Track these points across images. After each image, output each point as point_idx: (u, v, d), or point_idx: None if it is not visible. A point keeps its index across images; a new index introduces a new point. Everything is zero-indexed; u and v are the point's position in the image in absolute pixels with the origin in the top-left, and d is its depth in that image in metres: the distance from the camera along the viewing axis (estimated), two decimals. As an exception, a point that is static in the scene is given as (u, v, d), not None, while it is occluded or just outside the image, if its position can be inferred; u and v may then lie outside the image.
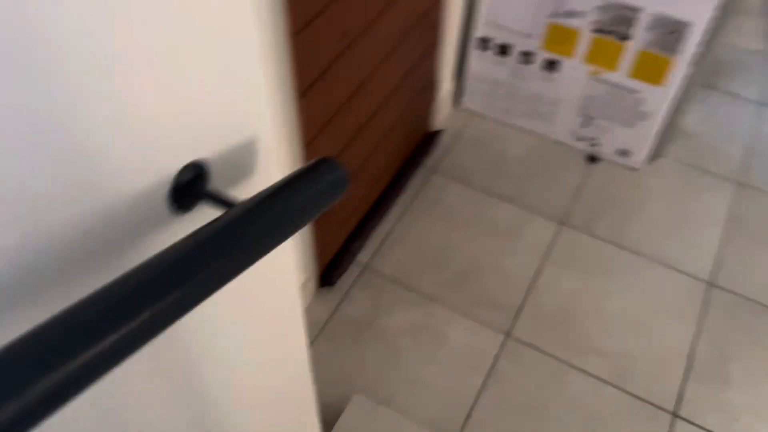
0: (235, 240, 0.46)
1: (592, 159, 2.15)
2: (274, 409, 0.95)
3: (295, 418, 1.08)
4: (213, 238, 0.45)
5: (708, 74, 2.47)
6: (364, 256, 1.88)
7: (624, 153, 2.11)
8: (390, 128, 1.82)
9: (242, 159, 0.55)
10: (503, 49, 2.06)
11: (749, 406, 1.60)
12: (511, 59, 2.07)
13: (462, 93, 2.26)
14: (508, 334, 1.72)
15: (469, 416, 1.57)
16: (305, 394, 1.05)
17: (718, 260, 1.89)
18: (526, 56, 2.04)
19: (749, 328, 1.75)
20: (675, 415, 1.58)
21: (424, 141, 2.15)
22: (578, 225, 1.97)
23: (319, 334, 1.71)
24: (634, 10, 1.78)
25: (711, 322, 1.75)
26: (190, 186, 0.50)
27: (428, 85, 2.00)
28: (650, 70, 1.87)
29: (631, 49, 1.86)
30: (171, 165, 0.47)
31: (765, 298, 1.81)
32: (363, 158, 1.72)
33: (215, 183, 0.52)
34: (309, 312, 1.74)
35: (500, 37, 2.04)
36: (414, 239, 1.92)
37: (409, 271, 1.84)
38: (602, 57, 1.92)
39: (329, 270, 1.79)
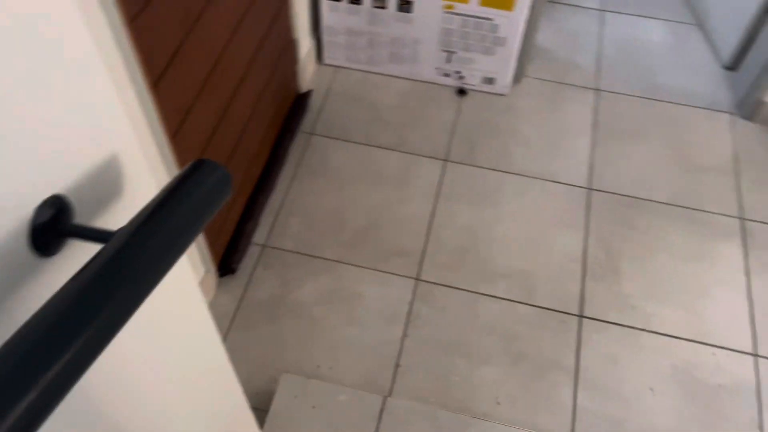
0: (122, 275, 0.41)
1: (462, 92, 2.19)
2: (204, 415, 0.91)
3: (228, 417, 1.05)
4: (97, 279, 0.40)
5: (550, -10, 2.57)
6: (260, 235, 1.82)
7: (490, 81, 2.16)
8: (257, 99, 1.75)
9: (107, 180, 0.49)
10: (355, -3, 2.02)
11: (641, 291, 1.75)
12: (365, 6, 2.03)
13: (323, 48, 2.21)
14: (417, 279, 1.76)
15: (398, 365, 1.60)
16: (231, 391, 1.02)
17: (592, 165, 2.03)
18: (380, 0, 2.01)
19: (627, 220, 1.90)
20: (581, 316, 1.71)
21: (296, 104, 2.09)
22: (461, 158, 2.02)
23: (231, 324, 1.65)
24: (474, -62, 1.79)
25: (595, 224, 1.89)
26: (53, 224, 0.44)
27: (288, 47, 1.93)
28: (499, -4, 1.91)
29: (478, -22, 1.88)
30: (25, 205, 0.41)
31: (634, 190, 1.96)
32: (236, 137, 1.64)
33: (83, 215, 0.46)
34: (216, 305, 1.68)
35: (349, -15, 1.99)
36: (307, 207, 1.89)
37: (310, 240, 1.82)
38: (452, -10, 1.93)
39: (227, 257, 1.73)
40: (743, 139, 2.10)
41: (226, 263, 1.72)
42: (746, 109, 2.14)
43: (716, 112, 2.18)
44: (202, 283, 1.61)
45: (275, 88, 1.88)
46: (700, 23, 2.45)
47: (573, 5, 2.52)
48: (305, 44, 2.13)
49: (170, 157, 1.27)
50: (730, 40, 2.27)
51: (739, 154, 2.06)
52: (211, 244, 1.62)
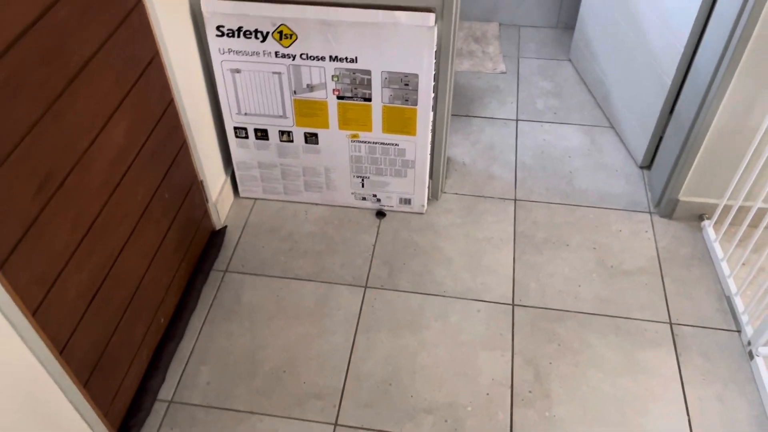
0: None
1: (381, 214, 2.17)
2: None
3: None
4: None
5: (464, 104, 2.63)
6: (167, 389, 1.71)
7: (407, 201, 2.15)
8: (156, 248, 1.69)
9: None
10: (262, 134, 2.03)
11: (573, 414, 1.65)
12: (273, 141, 2.04)
13: (237, 183, 2.20)
14: (335, 424, 1.64)
15: None
16: None
17: (515, 279, 1.98)
18: (286, 135, 2.02)
19: (554, 335, 1.82)
20: (510, 449, 1.59)
21: (210, 243, 2.04)
22: (381, 283, 1.96)
23: (129, 498, 1.50)
24: (365, 72, 1.83)
25: (522, 343, 1.81)
26: None
27: (193, 189, 1.91)
28: (400, 122, 1.93)
29: (377, 107, 1.91)
30: None
31: (560, 302, 1.91)
32: (130, 292, 1.57)
33: None
34: (113, 476, 1.54)
35: (255, 123, 2.01)
36: (219, 353, 1.79)
37: (221, 390, 1.71)
38: (354, 121, 1.95)
39: (127, 421, 1.60)
40: (664, 238, 2.08)
41: (125, 427, 1.59)
42: (664, 207, 2.13)
43: (636, 212, 2.17)
44: (94, 456, 1.48)
45: (181, 231, 1.84)
46: (614, 125, 2.51)
47: (488, 117, 2.58)
48: (218, 181, 2.11)
49: (34, 334, 1.19)
50: (642, 140, 2.31)
51: (661, 255, 2.03)
52: (105, 409, 1.51)
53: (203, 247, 2.02)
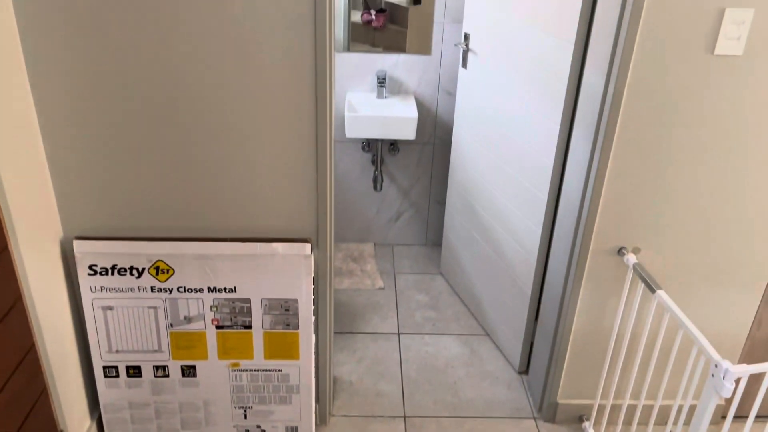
0: None
1: (266, 447, 2.04)
2: None
3: None
4: None
5: (347, 321, 2.68)
6: None
7: (293, 429, 2.05)
8: None
9: None
10: (135, 371, 1.92)
11: None
12: (146, 377, 1.93)
13: (104, 428, 2.00)
14: None
15: None
16: None
17: (412, 506, 1.87)
18: (161, 370, 1.92)
19: None
20: None
21: (66, 504, 1.78)
22: None
23: None
24: (245, 300, 1.85)
25: None
26: None
27: (51, 440, 1.71)
28: (282, 347, 1.92)
29: (258, 334, 1.90)
30: None
31: None
32: None
33: None
34: None
35: (127, 361, 1.90)
36: None
37: None
38: (234, 349, 1.91)
39: None
40: (552, 444, 2.11)
41: None
42: (546, 411, 2.19)
43: (522, 419, 2.21)
44: None
45: (31, 494, 1.59)
46: (489, 332, 2.65)
47: (370, 333, 2.63)
48: (82, 428, 1.91)
49: None
50: (516, 347, 2.43)
51: (551, 462, 2.04)
52: None
53: None
